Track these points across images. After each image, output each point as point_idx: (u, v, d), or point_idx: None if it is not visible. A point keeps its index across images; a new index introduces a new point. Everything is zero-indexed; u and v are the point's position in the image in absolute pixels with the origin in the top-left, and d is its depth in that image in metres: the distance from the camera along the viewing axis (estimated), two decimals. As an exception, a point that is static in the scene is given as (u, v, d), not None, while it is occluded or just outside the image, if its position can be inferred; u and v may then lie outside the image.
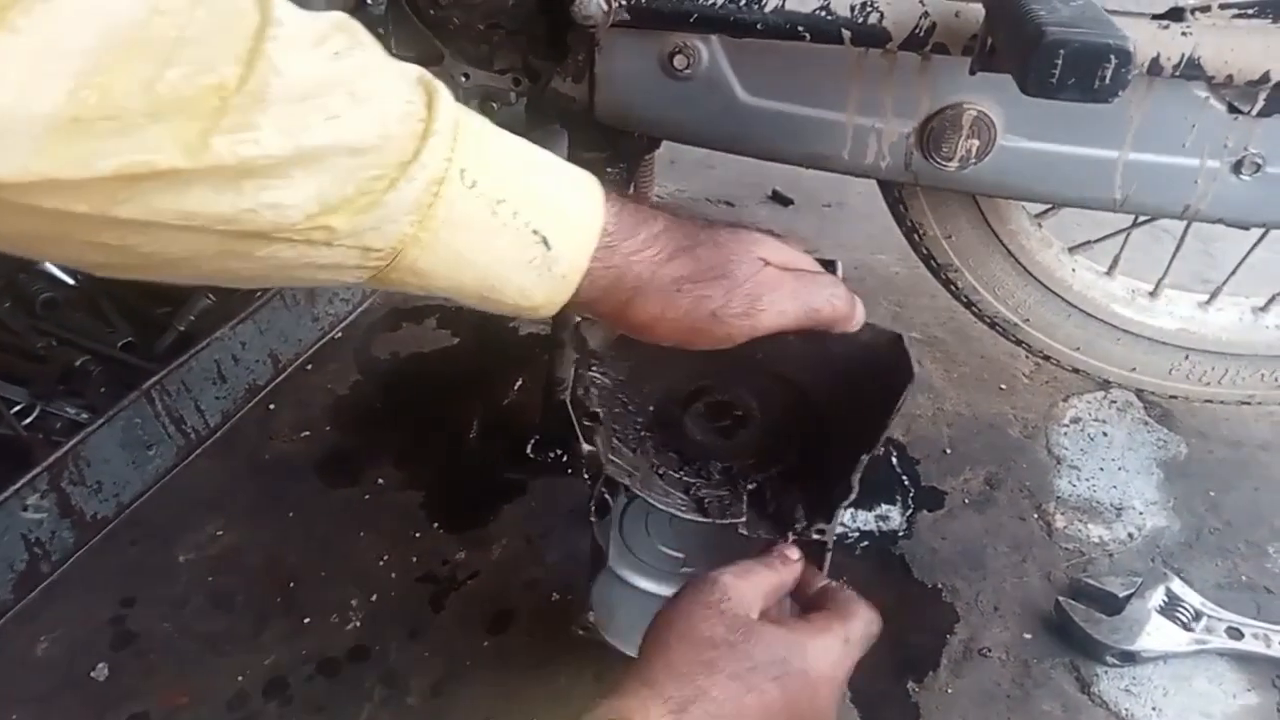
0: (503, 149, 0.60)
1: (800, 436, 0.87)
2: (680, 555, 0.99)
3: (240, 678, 1.01)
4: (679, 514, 0.87)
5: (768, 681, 0.63)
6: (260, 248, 0.51)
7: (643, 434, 0.87)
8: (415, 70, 0.57)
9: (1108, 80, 0.67)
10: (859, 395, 0.79)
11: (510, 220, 0.57)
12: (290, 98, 0.48)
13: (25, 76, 0.41)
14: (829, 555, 0.87)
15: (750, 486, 0.88)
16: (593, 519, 0.87)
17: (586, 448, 0.79)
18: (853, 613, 0.71)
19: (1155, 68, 0.87)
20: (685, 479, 0.88)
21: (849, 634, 0.70)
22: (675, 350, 0.69)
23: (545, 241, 0.59)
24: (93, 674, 1.02)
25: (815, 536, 0.83)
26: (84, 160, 0.43)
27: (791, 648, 0.66)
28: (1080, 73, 0.67)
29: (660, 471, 0.88)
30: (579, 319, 0.74)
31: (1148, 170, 0.97)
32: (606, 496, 0.87)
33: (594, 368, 0.80)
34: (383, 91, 0.53)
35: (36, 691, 1.00)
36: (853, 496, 0.80)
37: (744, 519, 0.85)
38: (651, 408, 0.85)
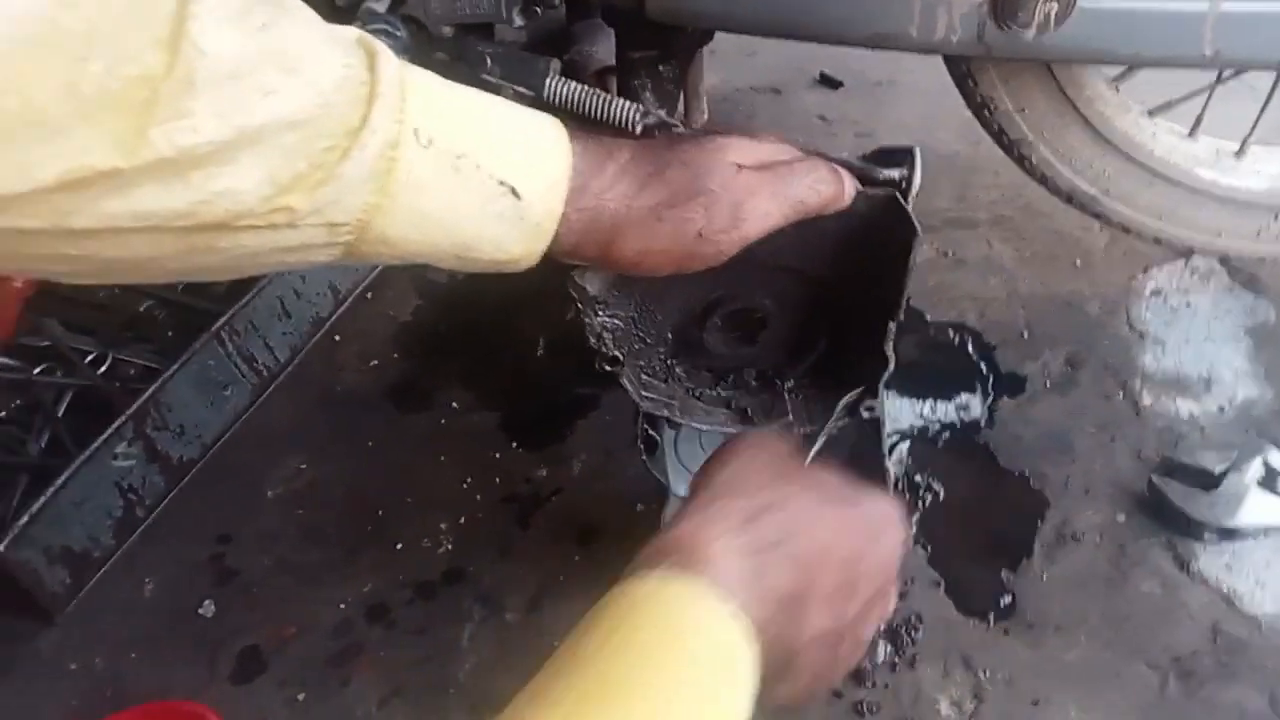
0: (455, 102, 0.57)
1: (824, 322, 0.85)
2: None
3: (342, 605, 1.04)
4: (725, 430, 0.86)
5: (842, 504, 0.60)
6: (223, 239, 0.49)
7: (669, 363, 0.86)
8: (350, 32, 0.54)
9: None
10: (870, 265, 0.76)
11: (474, 174, 0.55)
12: (221, 78, 0.45)
13: None
14: (885, 430, 0.87)
15: (789, 384, 0.87)
16: (644, 458, 0.88)
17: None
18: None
19: (1254, -96, 0.80)
20: (723, 394, 0.87)
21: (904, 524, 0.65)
22: (674, 275, 0.67)
23: (514, 191, 0.57)
24: (200, 611, 1.05)
25: (865, 414, 0.82)
26: (21, 171, 0.41)
27: (860, 490, 0.62)
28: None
29: (697, 394, 0.87)
30: (572, 272, 0.72)
31: (1241, 20, 0.90)
32: (651, 433, 0.87)
33: (601, 313, 0.78)
34: (316, 59, 0.50)
35: (149, 631, 1.04)
36: (891, 366, 0.79)
37: (789, 418, 0.84)
38: (669, 335, 0.84)
